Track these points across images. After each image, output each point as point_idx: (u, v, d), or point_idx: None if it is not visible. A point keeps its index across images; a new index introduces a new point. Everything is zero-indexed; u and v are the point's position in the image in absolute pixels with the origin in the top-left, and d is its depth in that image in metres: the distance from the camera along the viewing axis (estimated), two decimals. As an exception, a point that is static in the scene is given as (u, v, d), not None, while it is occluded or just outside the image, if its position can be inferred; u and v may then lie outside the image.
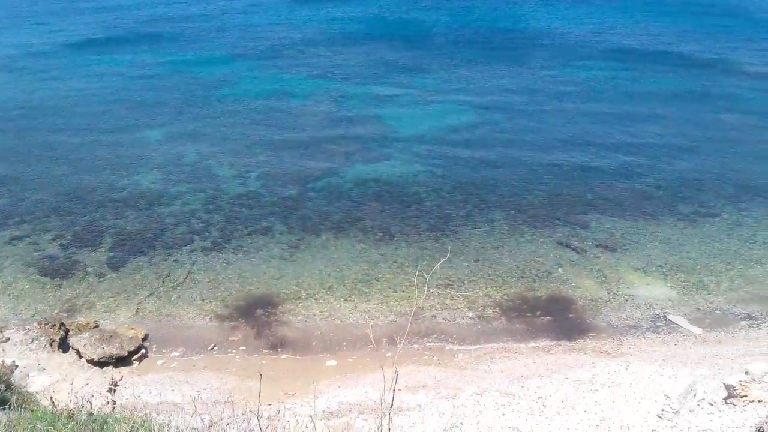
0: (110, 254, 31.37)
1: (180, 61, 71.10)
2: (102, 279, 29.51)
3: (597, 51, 74.45)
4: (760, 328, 26.05)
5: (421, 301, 25.92)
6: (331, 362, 24.01)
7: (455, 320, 26.76)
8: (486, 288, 28.79)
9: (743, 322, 26.50)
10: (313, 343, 25.28)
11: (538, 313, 27.19)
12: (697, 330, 25.92)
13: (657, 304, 27.63)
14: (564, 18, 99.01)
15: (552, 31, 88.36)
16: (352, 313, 27.14)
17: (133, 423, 10.76)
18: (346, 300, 28.01)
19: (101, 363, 23.08)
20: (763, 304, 27.61)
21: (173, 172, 40.39)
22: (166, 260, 30.90)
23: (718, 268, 30.15)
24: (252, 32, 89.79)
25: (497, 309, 27.45)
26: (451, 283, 29.03)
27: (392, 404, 14.63)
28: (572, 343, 25.20)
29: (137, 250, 31.72)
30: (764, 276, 29.44)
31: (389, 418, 7.87)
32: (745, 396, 20.43)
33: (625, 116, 50.43)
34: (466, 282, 29.17)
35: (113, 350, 23.10)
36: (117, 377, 22.21)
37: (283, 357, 24.48)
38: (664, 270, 30.09)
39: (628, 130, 47.55)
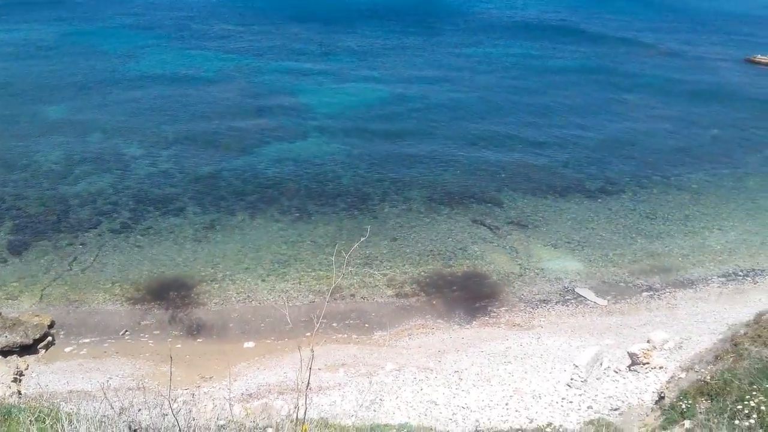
0: (11, 238, 29.68)
1: (81, 32, 67.70)
2: (3, 264, 27.90)
3: (508, 29, 76.27)
4: (660, 299, 27.54)
5: (339, 280, 25.93)
6: (249, 344, 23.70)
7: (374, 299, 26.92)
8: (404, 266, 29.07)
9: (645, 294, 27.93)
10: (230, 326, 24.86)
11: (454, 288, 27.72)
12: (602, 302, 27.14)
13: (566, 278, 28.72)
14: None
15: (466, 9, 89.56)
16: (269, 294, 26.81)
17: (39, 412, 10.25)
18: (263, 280, 27.64)
19: (5, 352, 21.90)
20: (663, 275, 29.17)
21: (77, 152, 38.48)
22: (72, 244, 29.50)
23: (622, 242, 31.60)
24: (158, 4, 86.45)
25: (415, 286, 27.79)
26: (369, 261, 29.13)
27: (309, 383, 14.62)
28: (486, 318, 25.88)
29: (40, 233, 30.14)
30: (664, 250, 31.08)
31: (306, 397, 7.82)
32: (648, 363, 21.62)
33: (534, 96, 51.92)
34: (384, 261, 29.35)
35: (17, 338, 21.96)
36: (22, 366, 21.20)
37: (199, 340, 23.96)
38: (572, 245, 31.27)
39: (537, 109, 48.96)
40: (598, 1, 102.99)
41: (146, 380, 20.97)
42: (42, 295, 26.09)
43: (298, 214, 32.72)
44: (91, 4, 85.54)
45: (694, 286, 28.59)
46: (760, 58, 65.32)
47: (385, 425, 16.08)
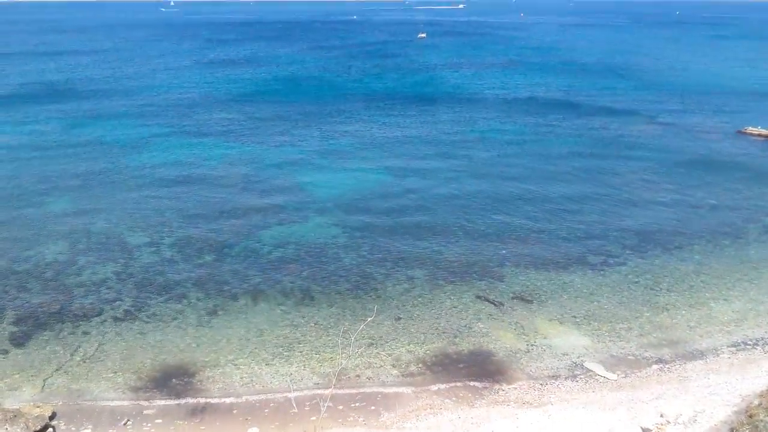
0: (13, 329, 29.55)
1: (84, 124, 69.57)
2: (4, 355, 27.68)
3: (502, 107, 78.21)
4: (670, 371, 27.12)
5: (344, 362, 25.66)
6: (253, 430, 23.18)
7: (379, 378, 26.53)
8: (409, 345, 28.80)
9: (655, 366, 27.53)
10: (234, 411, 24.39)
11: (461, 366, 27.36)
12: (612, 376, 26.71)
13: (573, 353, 28.37)
14: (470, 80, 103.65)
15: (461, 91, 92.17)
16: (273, 378, 26.46)
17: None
18: (267, 365, 27.33)
19: (3, 446, 21.38)
20: (671, 347, 28.84)
21: (81, 242, 38.82)
22: (74, 333, 29.37)
23: (628, 315, 31.39)
24: (160, 96, 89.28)
25: (421, 365, 27.45)
26: (374, 342, 28.88)
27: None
28: (495, 396, 25.41)
29: (43, 323, 30.03)
30: (670, 321, 30.85)
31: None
32: (662, 437, 21.11)
33: (530, 171, 52.80)
34: (389, 340, 29.10)
35: (17, 430, 21.47)
36: (21, 461, 20.64)
37: (202, 427, 23.45)
38: (578, 319, 31.06)
39: (534, 185, 49.61)
40: (587, 79, 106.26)
41: (149, 471, 20.45)
42: (43, 386, 25.75)
43: (301, 296, 32.69)
44: (94, 97, 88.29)
45: (704, 358, 28.23)
46: (751, 129, 66.74)
47: None
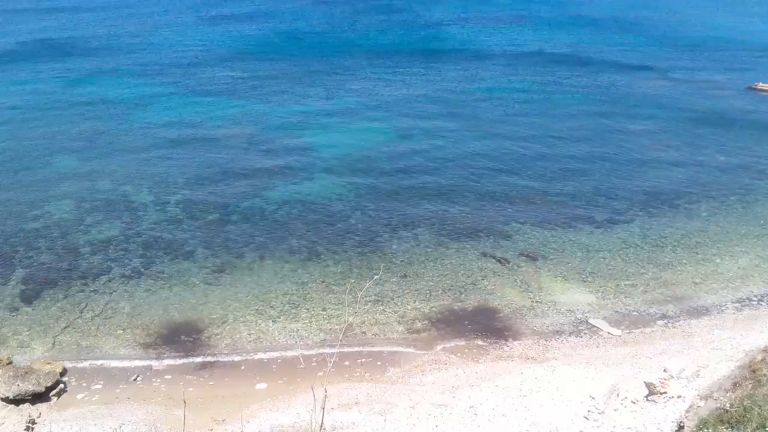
0: (23, 287, 29.87)
1: (88, 83, 69.04)
2: (15, 313, 28.03)
3: (510, 63, 77.14)
4: (674, 327, 27.27)
5: (350, 319, 25.89)
6: (261, 385, 23.55)
7: (385, 335, 26.80)
8: (414, 302, 29.00)
9: (659, 322, 27.69)
10: (242, 367, 24.75)
11: (466, 323, 27.57)
12: (616, 332, 26.89)
13: (578, 309, 28.53)
14: (476, 35, 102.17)
15: (468, 47, 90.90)
16: (281, 334, 26.76)
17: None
18: (274, 321, 27.61)
19: (17, 401, 21.84)
20: (676, 304, 28.95)
21: (87, 200, 38.89)
22: (82, 291, 29.65)
23: (633, 272, 31.44)
24: (163, 53, 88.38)
25: (426, 322, 27.67)
26: (380, 299, 29.07)
27: (322, 423, 14.48)
28: (500, 352, 25.66)
29: (52, 281, 30.31)
30: (675, 278, 30.90)
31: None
32: (665, 392, 21.34)
33: (537, 129, 52.25)
34: (394, 297, 29.30)
35: (29, 386, 21.91)
36: (34, 414, 21.11)
37: (210, 383, 23.82)
38: (583, 276, 31.14)
39: (541, 142, 49.20)
40: (597, 34, 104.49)
41: (159, 425, 20.86)
42: (54, 343, 26.12)
43: (307, 254, 32.82)
44: (96, 54, 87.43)
45: (708, 314, 28.38)
46: (762, 85, 65.66)
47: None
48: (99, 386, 23.51)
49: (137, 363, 24.95)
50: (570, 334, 26.82)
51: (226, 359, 25.25)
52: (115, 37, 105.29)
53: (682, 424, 19.43)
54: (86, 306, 28.55)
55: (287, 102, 61.18)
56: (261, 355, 25.42)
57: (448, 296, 29.51)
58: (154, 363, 24.95)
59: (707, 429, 17.50)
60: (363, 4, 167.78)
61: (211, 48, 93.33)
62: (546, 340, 26.34)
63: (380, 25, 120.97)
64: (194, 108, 58.99)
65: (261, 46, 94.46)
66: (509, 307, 28.66)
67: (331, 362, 21.47)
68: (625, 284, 30.52)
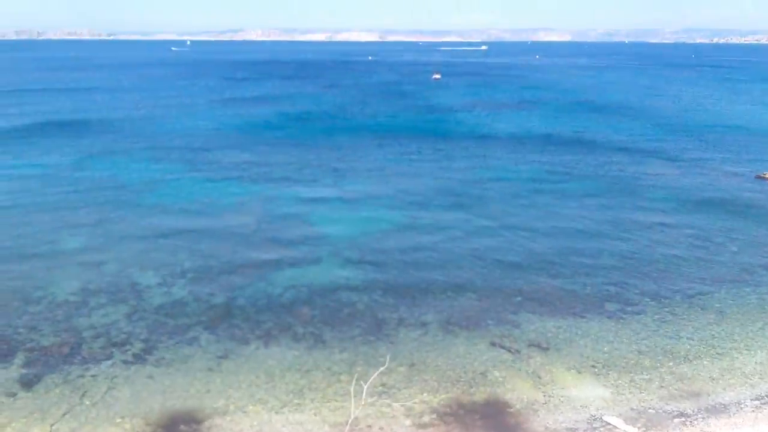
0: (23, 371, 29.18)
1: (99, 163, 70.18)
2: (13, 398, 27.24)
3: (518, 147, 78.05)
4: (693, 425, 26.18)
5: (357, 412, 25.01)
6: (262, 483, 22.47)
7: (392, 429, 25.80)
8: (422, 394, 28.06)
9: (677, 420, 26.61)
10: (242, 463, 23.73)
11: (477, 418, 26.56)
12: (633, 430, 25.82)
13: (592, 405, 27.51)
14: (484, 120, 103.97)
15: (477, 131, 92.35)
16: (284, 427, 25.79)
17: None
18: (277, 412, 26.68)
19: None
20: (693, 400, 27.92)
21: (92, 282, 38.64)
22: (83, 376, 28.92)
23: (648, 366, 30.52)
24: (174, 135, 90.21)
25: (434, 416, 26.68)
26: (386, 390, 28.18)
27: None
28: (512, 450, 24.58)
29: (52, 365, 29.63)
30: (692, 372, 29.96)
31: None
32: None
33: (546, 217, 52.25)
34: (401, 388, 28.40)
35: (19, 482, 20.94)
36: None
37: (209, 479, 22.76)
38: (597, 369, 30.23)
39: (550, 230, 49.09)
40: (603, 119, 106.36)
41: None
42: (51, 430, 25.26)
43: (312, 341, 32.15)
44: (108, 134, 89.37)
45: (727, 411, 27.29)
46: (770, 175, 65.89)
47: None
48: (93, 481, 22.51)
49: (134, 456, 23.99)
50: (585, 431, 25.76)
51: (226, 453, 24.25)
52: (128, 118, 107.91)
53: None
54: (86, 392, 27.76)
55: (296, 186, 61.76)
56: (262, 450, 24.42)
57: (458, 388, 28.60)
58: (152, 456, 23.97)
59: None
60: (372, 88, 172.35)
61: (222, 130, 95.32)
62: (559, 438, 25.28)
63: (389, 110, 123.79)
64: (203, 191, 59.57)
65: (271, 130, 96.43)
66: (521, 401, 27.68)
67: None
68: (640, 378, 29.56)
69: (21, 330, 32.76)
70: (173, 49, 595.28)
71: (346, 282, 39.09)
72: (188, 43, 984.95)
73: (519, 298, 37.29)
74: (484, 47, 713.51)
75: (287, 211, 52.99)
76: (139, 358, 30.38)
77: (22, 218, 50.26)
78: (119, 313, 34.59)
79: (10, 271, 40.06)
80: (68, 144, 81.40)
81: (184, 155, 75.42)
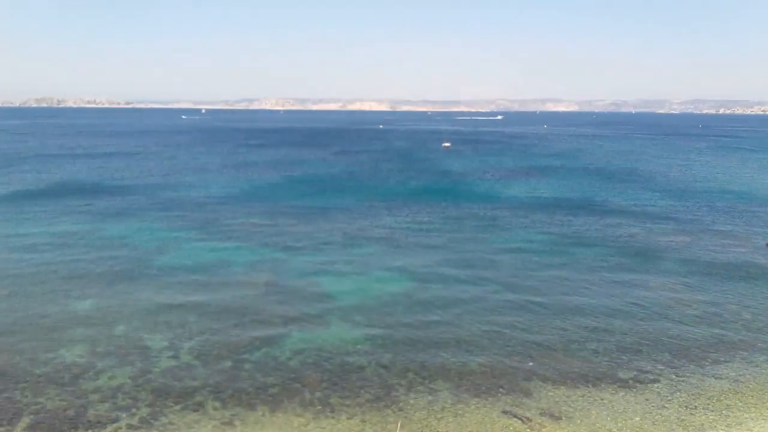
0: (26, 435, 28.80)
1: (112, 226, 70.95)
2: (13, 464, 26.81)
3: (529, 214, 78.25)
4: (711, 500, 25.34)
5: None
6: None
7: (400, 501, 25.09)
8: (431, 464, 27.40)
9: (694, 494, 25.78)
10: None
11: (487, 490, 25.83)
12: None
13: (607, 477, 26.73)
14: (493, 186, 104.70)
15: (483, 198, 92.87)
16: (289, 497, 25.15)
17: None
18: (282, 482, 26.05)
19: None
20: (711, 473, 27.11)
21: (101, 344, 38.50)
22: (87, 441, 28.49)
23: (664, 436, 29.76)
24: (187, 197, 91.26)
25: (444, 487, 25.97)
26: (394, 459, 27.55)
27: None
28: None
29: (57, 429, 29.23)
30: (709, 443, 29.17)
31: None
32: None
33: (557, 284, 51.95)
34: (410, 458, 27.76)
35: None
36: None
37: None
38: (611, 439, 29.49)
39: (562, 295, 48.74)
40: (612, 186, 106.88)
41: None
42: (50, 499, 24.73)
43: (320, 407, 31.63)
44: (122, 197, 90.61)
45: (746, 485, 26.43)
46: (781, 242, 65.67)
47: None
48: None
49: None
50: (599, 505, 24.94)
51: None
52: (141, 183, 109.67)
53: None
54: (89, 458, 27.30)
55: (306, 248, 62.04)
56: None
57: (468, 458, 27.91)
58: None
59: None
60: (383, 155, 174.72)
61: (234, 195, 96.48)
62: None
63: (399, 175, 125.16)
64: (213, 253, 59.93)
65: (282, 195, 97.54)
66: (533, 473, 26.94)
67: None
68: (655, 449, 28.80)
69: (27, 392, 32.47)
70: (183, 117, 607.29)
71: (354, 347, 38.73)
72: (203, 111, 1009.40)
73: (530, 363, 36.74)
74: (500, 117, 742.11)
75: (297, 275, 53.05)
76: (145, 423, 29.95)
77: (33, 280, 50.54)
78: (126, 376, 34.30)
79: (19, 333, 39.99)
80: (82, 207, 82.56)
81: (196, 219, 76.18)
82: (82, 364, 35.77)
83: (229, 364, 36.21)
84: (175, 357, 37.00)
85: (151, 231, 69.11)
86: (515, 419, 30.96)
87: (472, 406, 32.09)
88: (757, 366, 37.04)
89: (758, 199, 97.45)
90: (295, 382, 34.14)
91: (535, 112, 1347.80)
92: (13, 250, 60.03)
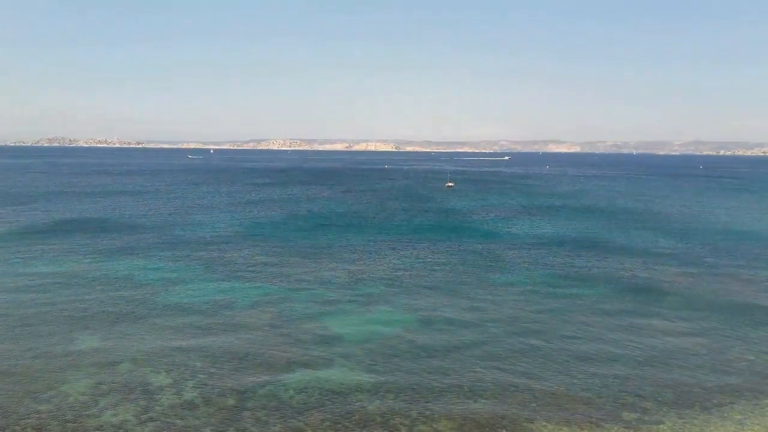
0: (26, 473, 28.72)
1: (118, 263, 71.37)
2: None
3: (531, 252, 78.40)
4: None
5: None
6: None
7: None
8: (434, 505, 27.21)
9: None
10: None
11: None
12: None
13: None
14: (495, 225, 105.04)
15: (486, 237, 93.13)
16: None
17: None
18: None
19: None
20: None
21: (105, 381, 38.55)
22: (88, 479, 28.39)
23: (668, 479, 29.53)
24: (194, 235, 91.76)
25: None
26: (397, 500, 27.37)
27: None
28: None
29: (57, 468, 29.17)
30: (714, 486, 28.93)
31: None
32: None
33: (562, 322, 51.90)
34: (412, 498, 27.58)
35: None
36: None
37: None
38: (615, 481, 29.26)
39: (566, 335, 48.67)
40: (614, 226, 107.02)
41: None
42: None
43: (323, 447, 31.52)
44: (128, 235, 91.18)
45: None
46: (784, 282, 65.74)
47: None
48: None
49: None
50: None
51: None
52: (149, 220, 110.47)
53: None
54: (89, 496, 27.19)
55: (310, 286, 62.25)
56: None
57: (471, 499, 27.70)
58: None
59: None
60: (388, 194, 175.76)
61: (240, 233, 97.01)
62: None
63: (403, 214, 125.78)
64: (218, 291, 60.20)
65: (287, 232, 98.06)
66: None
67: None
68: (660, 492, 28.54)
69: (29, 429, 32.46)
70: (189, 157, 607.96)
71: (357, 385, 38.68)
72: (212, 150, 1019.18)
73: (534, 405, 36.59)
74: (507, 158, 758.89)
75: (300, 313, 53.17)
76: (146, 461, 29.86)
77: (38, 319, 50.73)
78: (129, 414, 34.28)
79: (23, 370, 40.07)
80: (88, 245, 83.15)
81: (202, 256, 76.60)
82: (84, 402, 35.78)
83: (232, 403, 36.17)
84: (178, 395, 36.99)
85: (156, 269, 69.50)
86: (518, 460, 30.76)
87: (476, 447, 31.90)
88: (762, 408, 36.82)
89: (761, 240, 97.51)
90: (297, 421, 34.06)
91: (538, 153, 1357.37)
92: (20, 288, 60.36)
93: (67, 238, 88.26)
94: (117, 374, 39.76)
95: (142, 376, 39.53)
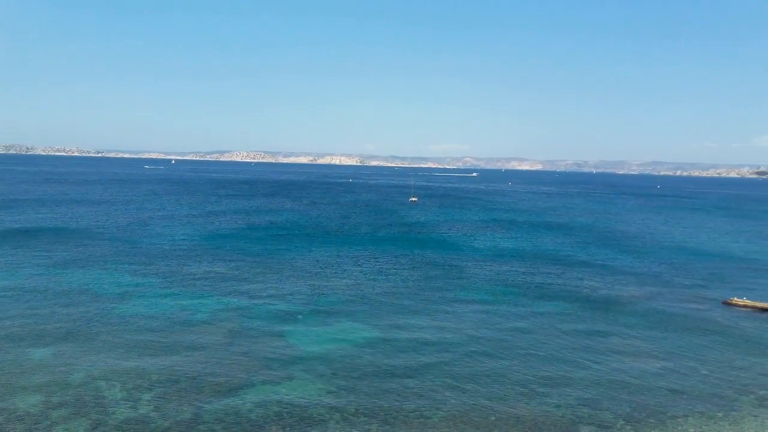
0: (-30, 489, 27.71)
1: (73, 273, 69.75)
2: None
3: (490, 263, 79.13)
4: None
5: None
6: None
7: None
8: None
9: None
10: None
11: None
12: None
13: None
14: (457, 239, 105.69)
15: (448, 250, 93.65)
16: None
17: None
18: None
19: None
20: None
21: (56, 394, 37.50)
22: (36, 495, 27.51)
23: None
24: (151, 246, 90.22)
25: None
26: None
27: None
28: None
29: (4, 483, 28.22)
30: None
31: None
32: None
33: (520, 334, 52.36)
34: None
35: None
36: None
37: None
38: (571, 494, 29.50)
39: (522, 346, 49.09)
40: (576, 243, 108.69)
41: None
42: None
43: (280, 461, 31.11)
44: (84, 245, 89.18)
45: None
46: (737, 300, 67.38)
47: None
48: None
49: None
50: None
51: None
52: (107, 230, 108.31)
53: None
54: None
55: (271, 300, 61.66)
56: None
57: None
58: None
59: None
60: (352, 207, 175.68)
61: (201, 244, 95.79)
62: None
63: (366, 228, 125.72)
64: (176, 302, 59.22)
65: (250, 244, 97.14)
66: None
67: None
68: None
69: (-25, 444, 31.38)
70: (146, 167, 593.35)
71: (317, 400, 38.35)
72: (173, 161, 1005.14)
73: (493, 418, 36.74)
74: (475, 174, 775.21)
75: (260, 326, 52.59)
76: (98, 476, 29.08)
77: (-12, 328, 49.14)
78: (81, 428, 33.38)
79: (-30, 382, 38.75)
80: (43, 255, 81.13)
81: (160, 268, 75.34)
82: (35, 415, 34.75)
83: (188, 416, 35.50)
84: (133, 408, 36.18)
85: (112, 278, 68.13)
86: (477, 473, 30.81)
87: (434, 460, 31.85)
88: (715, 422, 37.59)
89: (714, 257, 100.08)
90: (255, 435, 33.58)
91: (501, 170, 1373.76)
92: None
93: (21, 248, 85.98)
94: (69, 387, 38.71)
95: (95, 390, 38.54)
